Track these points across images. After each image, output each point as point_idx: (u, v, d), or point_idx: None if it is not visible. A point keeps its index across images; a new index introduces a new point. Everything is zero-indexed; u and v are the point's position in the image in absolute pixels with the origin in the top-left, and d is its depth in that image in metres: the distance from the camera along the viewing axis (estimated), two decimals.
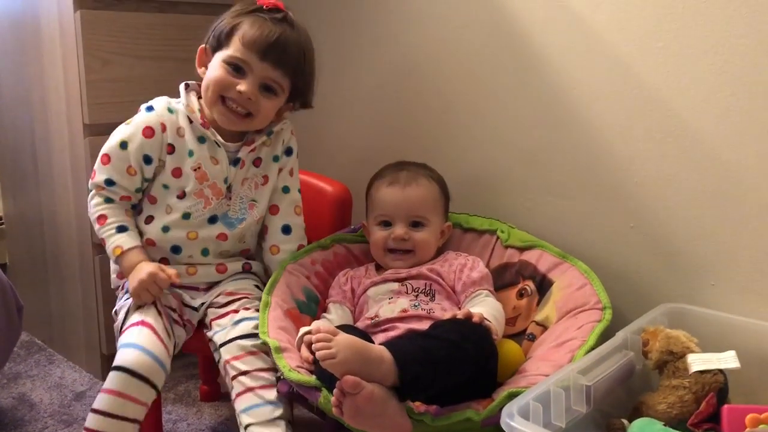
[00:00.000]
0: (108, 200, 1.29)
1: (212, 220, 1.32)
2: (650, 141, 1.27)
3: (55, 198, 1.78)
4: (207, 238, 1.32)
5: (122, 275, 1.32)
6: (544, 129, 1.41)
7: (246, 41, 1.23)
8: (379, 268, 1.37)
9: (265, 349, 1.19)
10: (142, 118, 1.29)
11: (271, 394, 1.17)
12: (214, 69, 1.26)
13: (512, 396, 0.98)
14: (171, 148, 1.29)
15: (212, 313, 1.30)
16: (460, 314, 1.10)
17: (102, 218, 1.28)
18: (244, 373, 1.18)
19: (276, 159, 1.37)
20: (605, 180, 1.34)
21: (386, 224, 1.36)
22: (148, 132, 1.28)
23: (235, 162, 1.32)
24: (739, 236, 1.19)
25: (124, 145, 1.27)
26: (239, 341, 1.21)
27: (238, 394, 1.18)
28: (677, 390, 1.06)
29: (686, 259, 1.25)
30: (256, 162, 1.35)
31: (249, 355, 1.20)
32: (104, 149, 1.29)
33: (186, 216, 1.30)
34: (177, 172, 1.29)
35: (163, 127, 1.28)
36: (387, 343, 1.01)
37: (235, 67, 1.25)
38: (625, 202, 1.32)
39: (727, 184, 1.19)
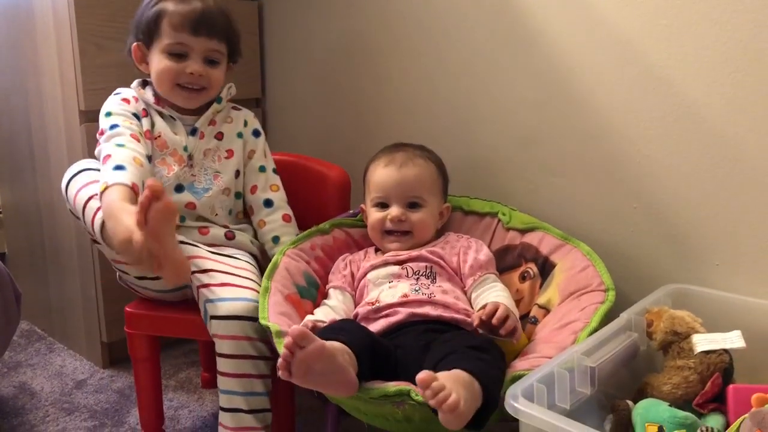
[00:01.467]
0: (119, 144, 1.24)
1: (179, 188, 1.36)
2: (654, 121, 1.25)
3: (52, 186, 1.77)
4: (178, 206, 1.33)
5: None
6: (545, 110, 1.40)
7: (175, 24, 1.31)
8: (379, 251, 1.36)
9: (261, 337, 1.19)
10: (114, 97, 1.37)
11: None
12: (159, 63, 1.34)
13: (516, 379, 0.97)
14: (145, 112, 1.37)
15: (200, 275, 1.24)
16: (487, 314, 1.10)
17: (107, 158, 1.21)
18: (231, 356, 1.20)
19: (240, 135, 1.44)
20: (608, 161, 1.32)
21: (383, 206, 1.34)
22: (125, 101, 1.36)
23: (192, 132, 1.39)
24: (744, 216, 1.18)
25: (108, 114, 1.33)
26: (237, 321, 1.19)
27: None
28: (682, 370, 1.05)
29: (690, 239, 1.24)
30: (218, 135, 1.42)
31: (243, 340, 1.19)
32: (100, 126, 1.33)
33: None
34: (147, 134, 1.35)
35: (135, 99, 1.38)
36: (458, 363, 0.95)
37: (177, 55, 1.33)
38: (628, 183, 1.30)
39: (731, 163, 1.18)
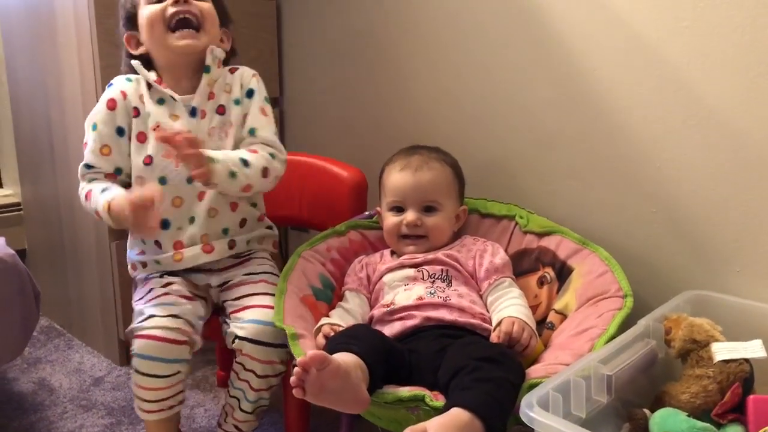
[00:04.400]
0: (91, 180, 1.29)
1: (189, 179, 1.27)
2: (673, 124, 1.23)
3: (71, 184, 1.78)
4: (189, 200, 1.29)
5: (134, 267, 1.33)
6: (563, 112, 1.38)
7: None
8: (395, 254, 1.36)
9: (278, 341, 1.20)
10: (104, 95, 1.32)
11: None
12: (145, 14, 1.27)
13: (532, 386, 0.96)
14: (136, 112, 1.30)
15: (229, 304, 1.28)
16: (502, 337, 1.09)
17: (88, 194, 1.26)
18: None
19: (237, 102, 1.33)
20: (626, 164, 1.31)
21: (399, 210, 1.34)
22: (111, 104, 1.30)
23: (192, 113, 1.30)
24: (765, 221, 1.16)
25: (94, 126, 1.29)
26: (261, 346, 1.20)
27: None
28: (701, 379, 1.03)
29: (710, 245, 1.22)
30: (220, 110, 1.32)
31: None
32: (85, 137, 1.31)
33: (162, 180, 1.28)
34: (142, 137, 1.29)
35: (124, 95, 1.30)
36: (458, 398, 0.93)
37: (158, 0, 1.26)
38: (646, 187, 1.29)
39: (753, 167, 1.16)
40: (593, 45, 1.31)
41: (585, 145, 1.36)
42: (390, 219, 1.34)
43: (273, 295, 1.25)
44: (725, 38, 1.15)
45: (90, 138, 1.29)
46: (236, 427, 1.30)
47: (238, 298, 1.26)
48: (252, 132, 1.31)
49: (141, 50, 1.32)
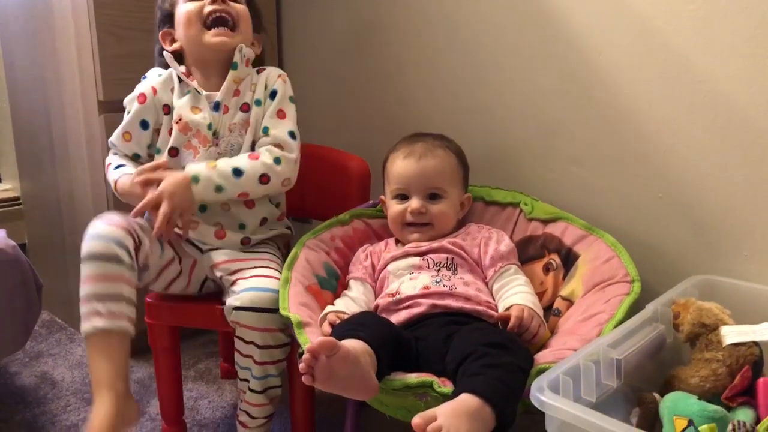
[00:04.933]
0: (115, 153, 1.38)
1: None
2: (679, 108, 1.22)
3: (71, 177, 1.77)
4: None
5: None
6: (567, 98, 1.37)
7: None
8: (399, 243, 1.35)
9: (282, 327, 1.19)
10: (138, 86, 1.37)
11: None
12: (180, 13, 1.33)
13: (540, 372, 0.95)
14: (167, 109, 1.35)
15: (226, 279, 1.27)
16: (513, 321, 1.09)
17: (107, 166, 1.36)
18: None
19: (258, 103, 1.36)
20: (632, 150, 1.30)
21: (403, 197, 1.33)
22: (141, 99, 1.35)
23: (215, 107, 1.33)
24: None
25: (128, 111, 1.36)
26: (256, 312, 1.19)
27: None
28: (710, 363, 1.02)
29: (717, 229, 1.22)
30: (244, 107, 1.35)
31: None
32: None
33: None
34: (169, 130, 1.34)
35: (154, 91, 1.35)
36: (467, 384, 0.92)
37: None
38: (653, 172, 1.28)
39: (760, 152, 1.15)
40: (597, 30, 1.30)
41: (589, 132, 1.35)
42: (394, 207, 1.33)
43: (272, 268, 1.25)
44: (732, 21, 1.14)
45: (124, 121, 1.36)
46: (248, 413, 1.28)
47: (235, 272, 1.26)
48: (265, 131, 1.33)
49: (175, 47, 1.36)
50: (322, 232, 1.36)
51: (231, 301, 1.19)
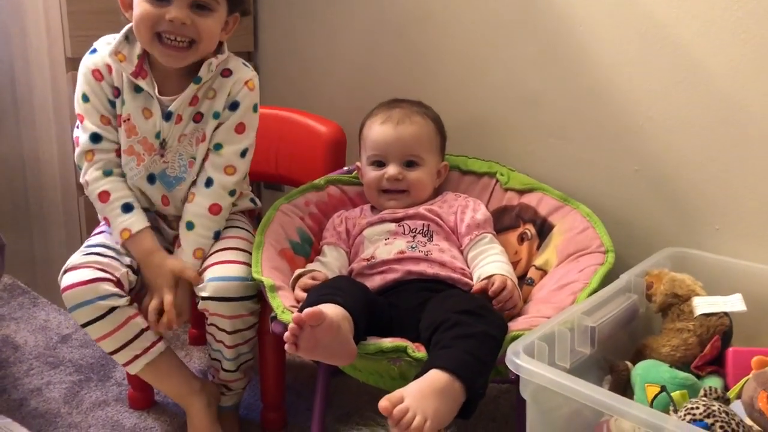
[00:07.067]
0: (107, 173, 1.22)
1: (151, 179, 1.25)
2: (657, 82, 1.22)
3: (36, 137, 1.72)
4: (152, 200, 1.27)
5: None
6: (546, 69, 1.36)
7: None
8: (375, 209, 1.34)
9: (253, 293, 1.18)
10: (87, 63, 1.22)
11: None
12: (137, 6, 1.14)
13: (514, 339, 0.95)
14: (117, 92, 1.21)
15: None
16: (480, 286, 1.10)
17: (104, 195, 1.21)
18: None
19: (216, 116, 1.22)
20: (609, 122, 1.30)
21: (379, 164, 1.31)
22: (97, 75, 1.21)
23: (167, 116, 1.21)
24: (745, 180, 1.16)
25: (85, 98, 1.21)
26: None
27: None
28: (681, 333, 1.04)
29: (691, 203, 1.23)
30: (197, 117, 1.23)
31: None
32: (76, 111, 1.23)
33: (124, 176, 1.25)
34: (119, 120, 1.22)
35: (109, 69, 1.21)
36: (437, 359, 0.91)
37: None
38: (629, 145, 1.28)
39: (735, 127, 1.16)
40: (578, 1, 1.29)
41: (567, 103, 1.35)
42: (371, 173, 1.31)
43: (238, 249, 1.22)
44: None
45: (83, 110, 1.21)
46: (225, 386, 1.29)
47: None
48: (218, 148, 1.23)
49: (130, 17, 1.18)
50: (296, 197, 1.34)
51: (199, 290, 1.17)
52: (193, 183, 1.26)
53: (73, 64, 1.55)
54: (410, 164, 1.30)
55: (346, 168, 1.44)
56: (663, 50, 1.21)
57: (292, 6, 1.82)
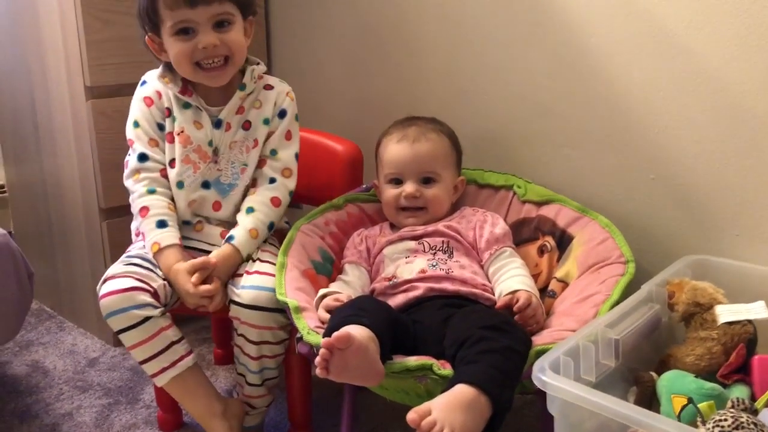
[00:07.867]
0: (150, 191, 1.29)
1: (205, 185, 1.32)
2: (672, 90, 1.23)
3: (58, 164, 1.75)
4: (204, 204, 1.32)
5: (138, 233, 1.32)
6: (560, 80, 1.37)
7: (169, 3, 1.21)
8: (394, 227, 1.35)
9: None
10: (138, 93, 1.33)
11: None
12: (171, 47, 1.25)
13: (539, 353, 0.96)
14: (168, 112, 1.31)
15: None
16: (504, 302, 1.11)
17: (144, 210, 1.27)
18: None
19: (266, 122, 1.33)
20: (624, 131, 1.31)
21: (397, 182, 1.33)
22: (148, 101, 1.31)
23: (217, 124, 1.31)
24: (764, 185, 1.16)
25: (136, 124, 1.31)
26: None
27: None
28: (705, 342, 1.04)
29: (709, 209, 1.23)
30: (245, 125, 1.32)
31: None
32: (128, 136, 1.32)
33: (180, 185, 1.30)
34: (170, 137, 1.31)
35: (159, 95, 1.31)
36: (463, 374, 0.93)
37: (183, 31, 1.23)
38: (645, 154, 1.29)
39: (752, 132, 1.16)
40: (590, 12, 1.30)
41: (582, 113, 1.36)
42: (388, 191, 1.33)
43: (273, 264, 1.25)
44: (725, 3, 1.14)
45: (134, 135, 1.31)
46: (248, 404, 1.31)
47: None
48: (273, 153, 1.33)
49: (166, 58, 1.29)
50: (316, 216, 1.36)
51: (233, 295, 1.21)
52: (246, 188, 1.33)
53: (92, 92, 1.58)
54: (427, 181, 1.31)
55: (364, 186, 1.46)
56: (676, 59, 1.21)
57: (306, 25, 1.85)
